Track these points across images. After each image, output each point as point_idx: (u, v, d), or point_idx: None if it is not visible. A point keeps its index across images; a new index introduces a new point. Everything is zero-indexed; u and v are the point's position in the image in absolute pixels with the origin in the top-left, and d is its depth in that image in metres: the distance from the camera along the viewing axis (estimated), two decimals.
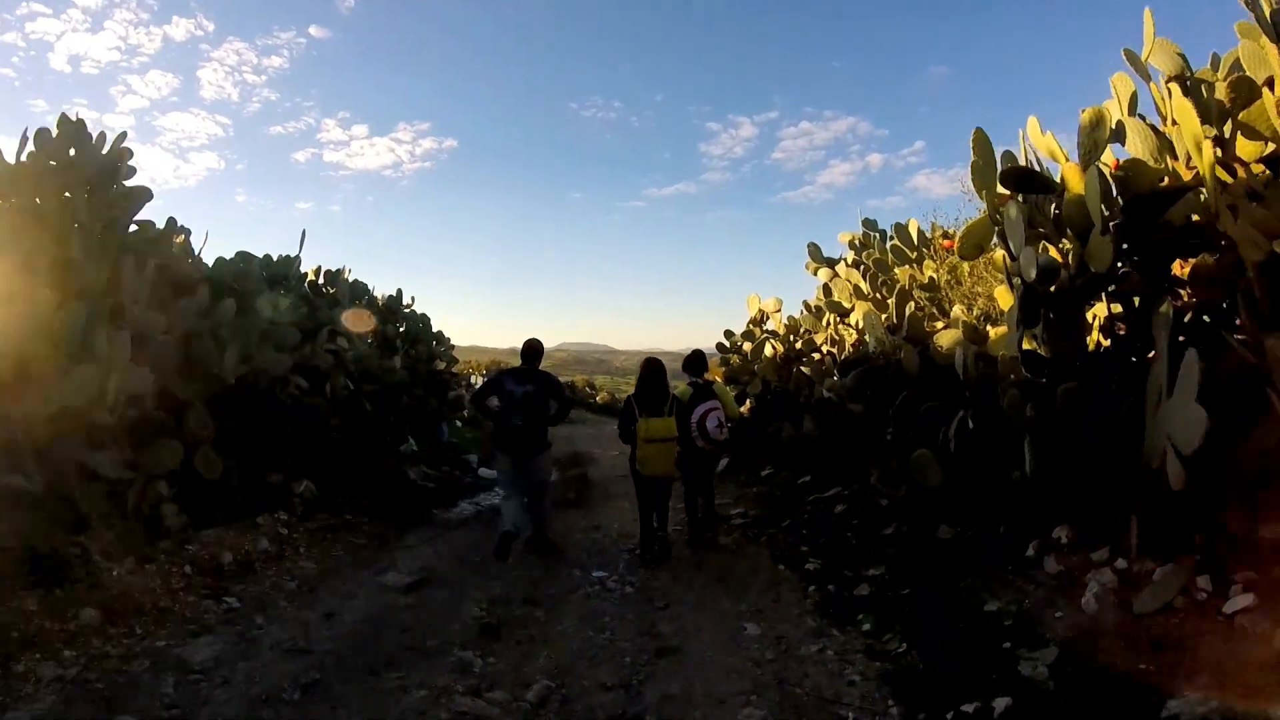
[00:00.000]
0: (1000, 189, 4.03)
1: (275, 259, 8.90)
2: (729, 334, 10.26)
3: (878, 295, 7.49)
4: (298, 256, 9.08)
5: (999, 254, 4.25)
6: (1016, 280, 3.82)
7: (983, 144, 4.18)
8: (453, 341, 13.94)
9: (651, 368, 5.49)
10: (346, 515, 6.73)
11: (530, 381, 5.37)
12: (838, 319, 8.13)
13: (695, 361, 5.85)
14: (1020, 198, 3.90)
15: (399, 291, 12.50)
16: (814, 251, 9.30)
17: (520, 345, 5.76)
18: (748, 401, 9.95)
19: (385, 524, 6.69)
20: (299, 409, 7.57)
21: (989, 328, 4.70)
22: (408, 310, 12.30)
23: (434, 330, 12.78)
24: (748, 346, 9.95)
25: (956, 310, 5.45)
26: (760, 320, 9.32)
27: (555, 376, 6.07)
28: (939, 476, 4.68)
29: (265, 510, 6.37)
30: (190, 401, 5.62)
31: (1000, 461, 4.33)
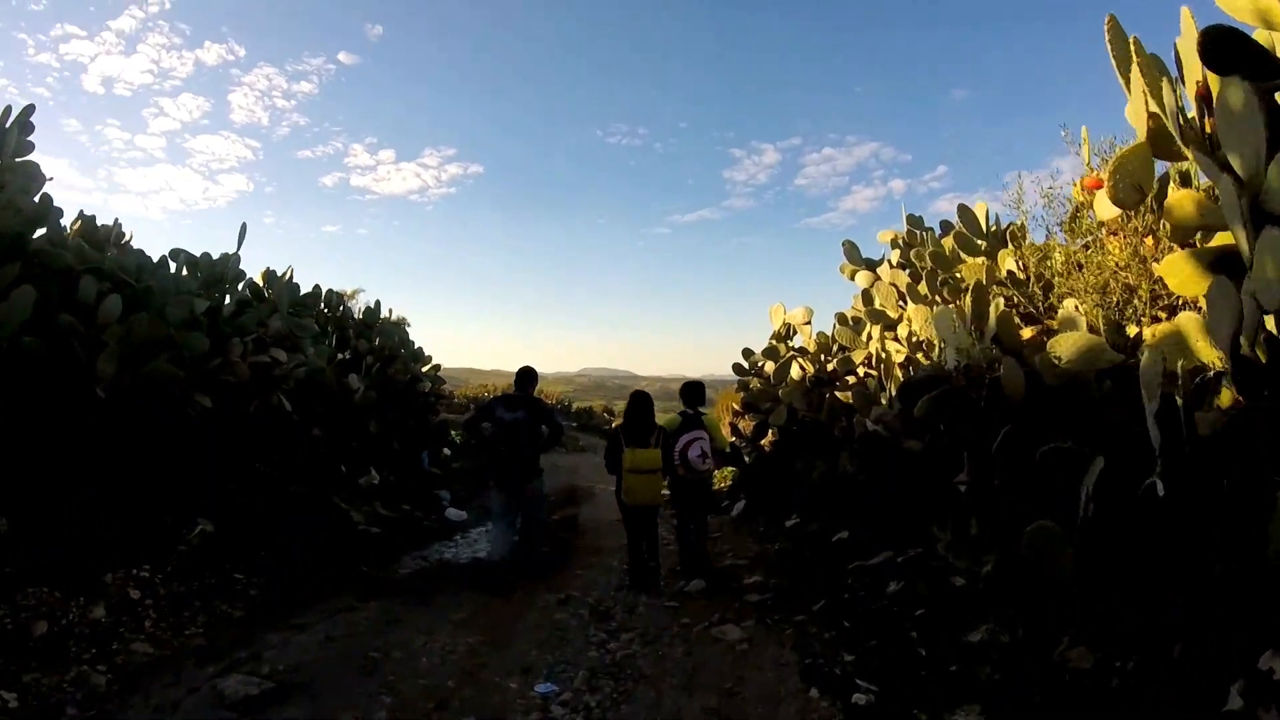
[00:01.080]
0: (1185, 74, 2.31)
1: (215, 258, 7.41)
2: (748, 354, 8.50)
3: (938, 298, 5.73)
4: (235, 255, 7.59)
5: (1183, 198, 2.49)
6: (1242, 229, 2.08)
7: (1115, 31, 2.51)
8: (462, 365, 12.43)
9: (638, 400, 5.42)
10: (237, 574, 5.07)
11: (522, 408, 5.33)
12: (881, 331, 6.36)
13: (691, 392, 5.69)
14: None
15: (377, 303, 11.02)
16: (850, 251, 7.55)
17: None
18: (769, 434, 8.17)
19: (287, 586, 5.01)
20: (206, 434, 5.99)
21: (1150, 328, 2.92)
22: (388, 324, 10.78)
23: (416, 348, 11.24)
24: (769, 367, 8.18)
25: (1068, 307, 3.65)
26: (785, 335, 7.56)
27: (547, 403, 6.67)
28: (1070, 563, 2.89)
29: (130, 561, 4.77)
30: None
31: (1182, 543, 2.55)
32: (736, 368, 8.45)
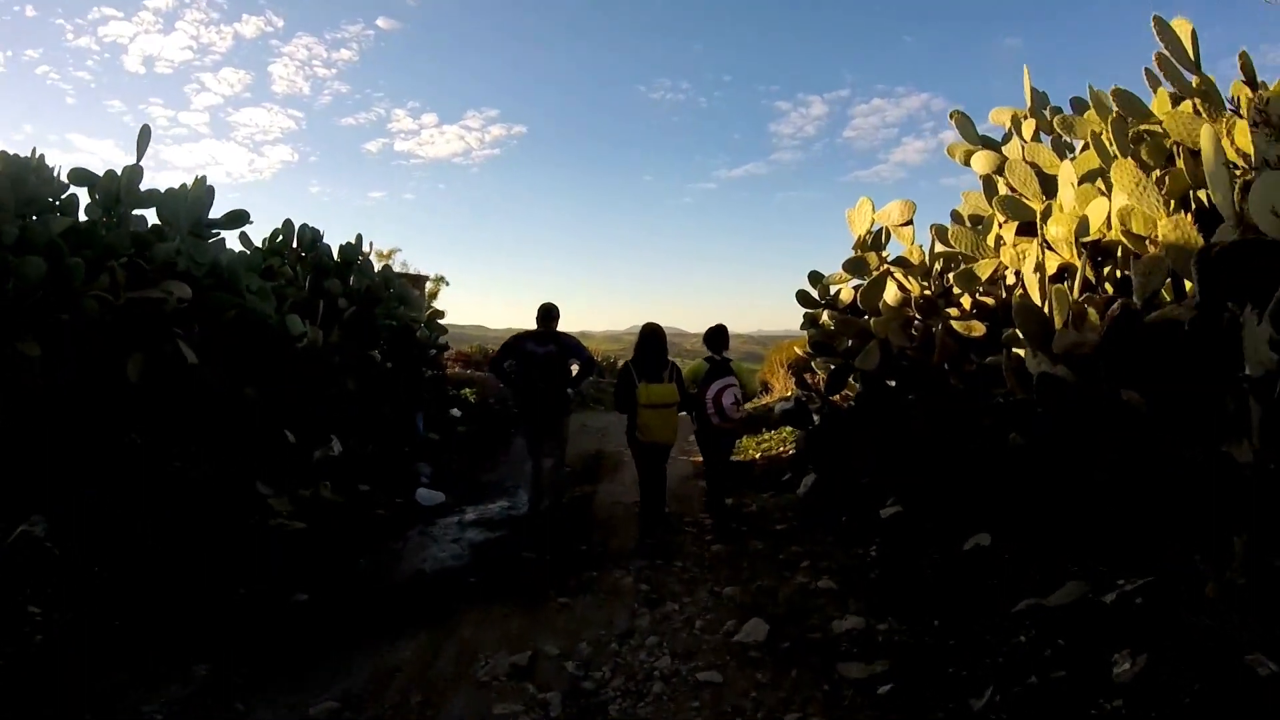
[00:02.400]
0: None
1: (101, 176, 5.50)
2: (815, 279, 6.17)
3: (1146, 159, 3.41)
4: (136, 167, 5.66)
5: None
6: None
7: None
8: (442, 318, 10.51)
9: (650, 331, 5.03)
10: (33, 607, 3.19)
11: (551, 342, 5.07)
12: (1030, 238, 4.04)
13: (716, 336, 5.26)
14: None
15: (358, 238, 9.02)
16: (963, 125, 5.15)
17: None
18: (847, 384, 5.92)
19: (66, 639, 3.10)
20: (38, 394, 4.13)
21: None
22: (368, 263, 8.80)
23: (412, 294, 9.28)
24: (846, 293, 5.89)
25: None
26: (873, 242, 5.21)
27: (575, 338, 5.50)
28: None
29: None
30: None
31: None
32: (802, 296, 6.15)
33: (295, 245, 8.77)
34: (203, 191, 6.40)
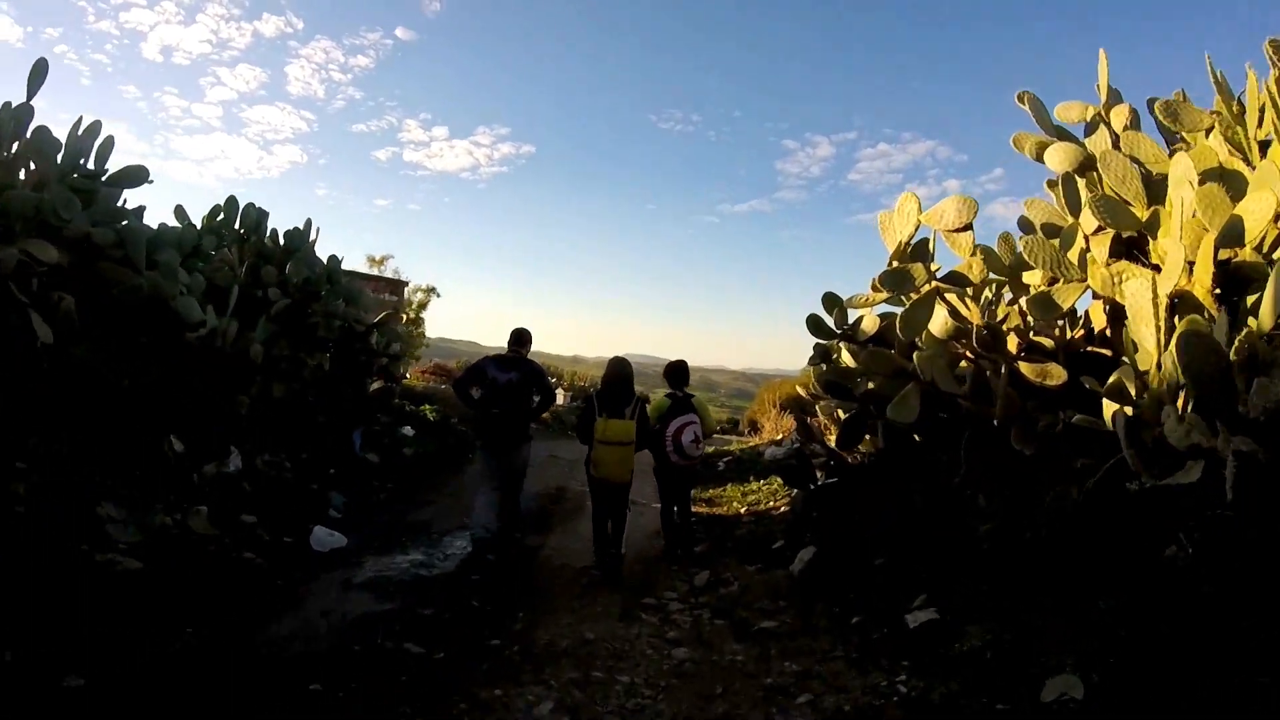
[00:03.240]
0: None
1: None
2: (832, 302, 4.91)
3: None
4: (24, 106, 4.51)
5: None
6: None
7: None
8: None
9: (617, 367, 4.85)
10: None
11: (514, 369, 4.84)
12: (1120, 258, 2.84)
13: (677, 372, 5.10)
14: None
15: (307, 223, 7.78)
16: (1036, 108, 4.03)
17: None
18: (867, 436, 4.65)
19: None
20: None
21: None
22: (311, 252, 7.55)
23: (362, 292, 8.00)
24: (869, 323, 4.66)
25: None
26: (914, 252, 3.94)
27: (540, 366, 5.22)
28: None
29: None
30: None
31: None
32: (814, 323, 4.87)
33: (239, 227, 7.56)
34: (92, 139, 5.17)
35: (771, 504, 7.04)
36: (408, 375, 23.20)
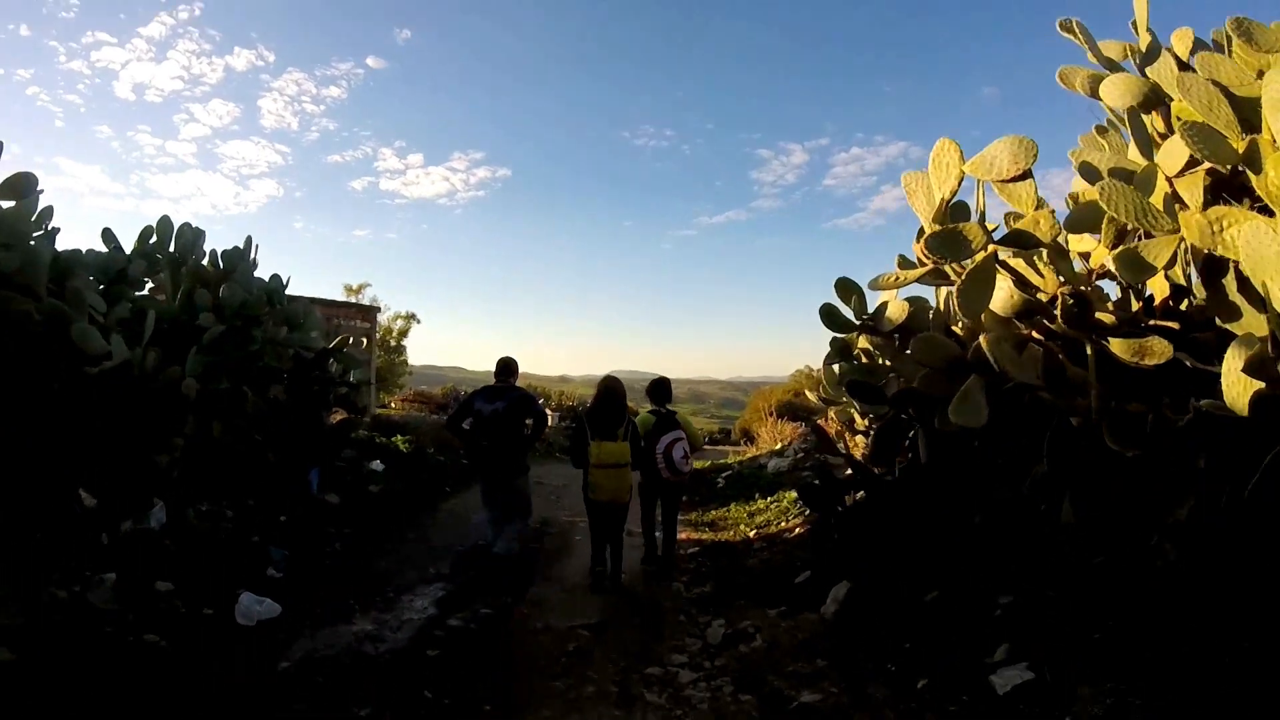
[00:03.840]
0: None
1: None
2: (848, 288, 4.09)
3: None
4: None
5: None
6: None
7: None
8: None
9: (608, 387, 4.80)
10: None
11: (500, 399, 4.66)
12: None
13: (659, 389, 5.08)
14: None
15: (246, 241, 6.90)
16: (1085, 36, 3.28)
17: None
18: (904, 445, 3.83)
19: None
20: None
21: None
22: (246, 272, 6.67)
23: (308, 315, 7.10)
24: (897, 310, 3.86)
25: None
26: (957, 212, 3.11)
27: (529, 393, 5.13)
28: None
29: None
30: None
31: None
32: (828, 313, 4.04)
33: (173, 249, 6.67)
34: None
35: (783, 524, 6.20)
36: (390, 404, 22.21)
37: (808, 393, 5.72)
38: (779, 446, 12.76)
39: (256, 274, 6.89)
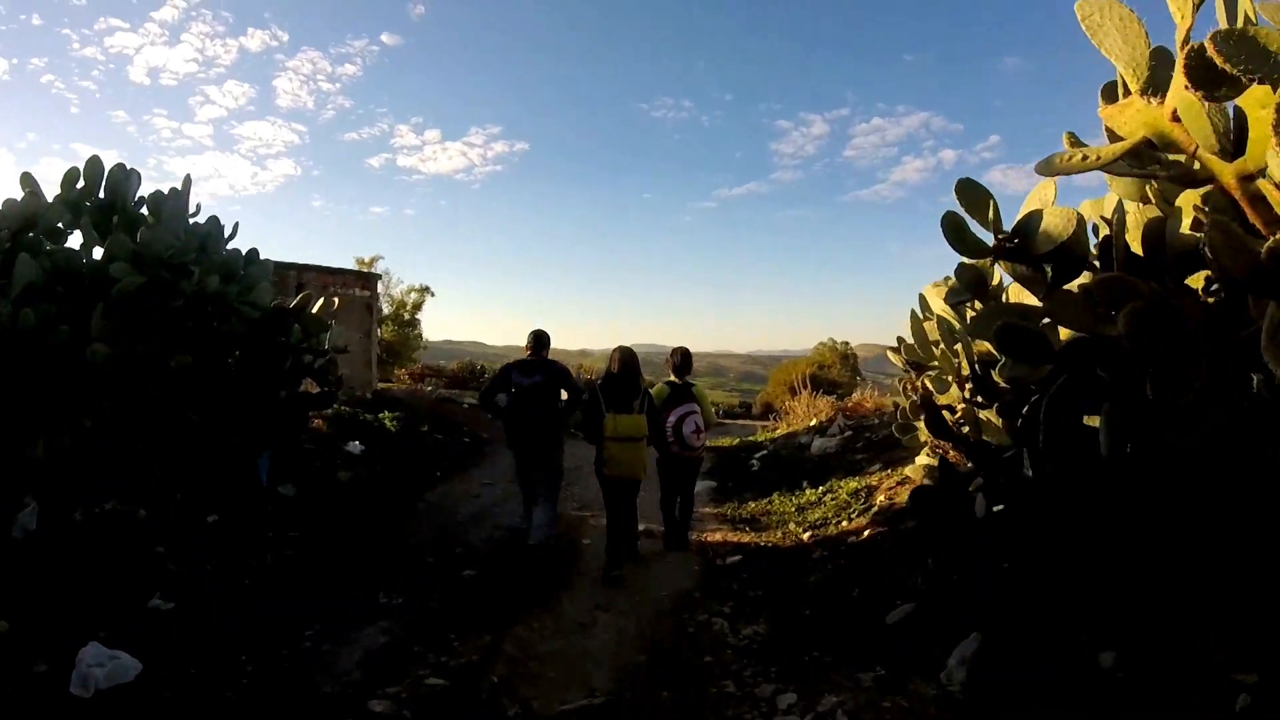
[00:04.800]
0: None
1: None
2: (973, 191, 2.69)
3: None
4: None
5: None
6: None
7: None
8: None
9: (623, 357, 4.54)
10: None
11: (538, 372, 4.57)
12: None
13: (681, 360, 4.85)
14: None
15: (186, 179, 5.57)
16: None
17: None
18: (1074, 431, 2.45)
19: None
20: None
21: None
22: (174, 215, 5.35)
23: (256, 269, 5.78)
24: (1058, 220, 2.40)
25: None
26: (1189, 32, 1.73)
27: (565, 366, 4.90)
28: None
29: None
30: None
31: None
32: (954, 228, 2.64)
33: (103, 195, 5.40)
34: None
35: (844, 524, 4.84)
36: (399, 378, 21.09)
37: (889, 354, 4.33)
38: (815, 423, 11.35)
39: (199, 223, 5.60)
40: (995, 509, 2.77)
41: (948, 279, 4.94)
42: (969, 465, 2.95)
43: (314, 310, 6.17)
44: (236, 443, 5.23)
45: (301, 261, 12.97)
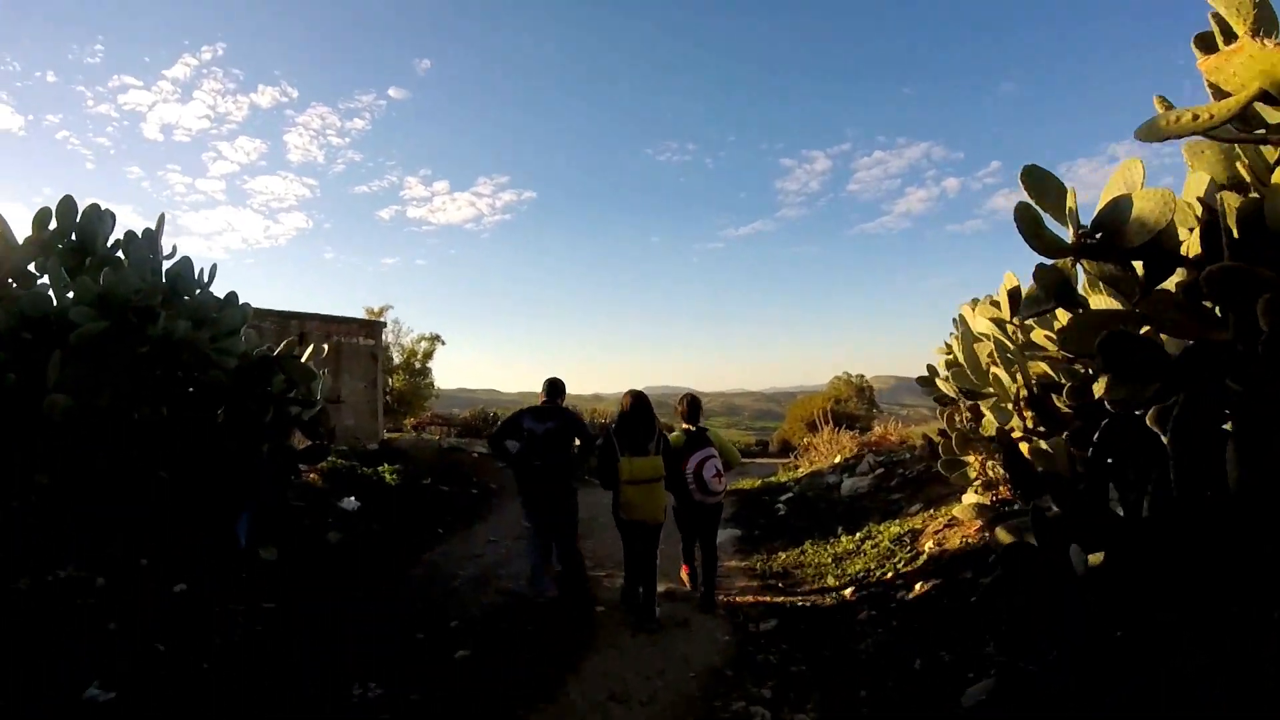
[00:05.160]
0: None
1: None
2: (1040, 182, 2.23)
3: None
4: None
5: None
6: None
7: None
8: None
9: (636, 400, 4.42)
10: None
11: (551, 419, 4.50)
12: None
13: (690, 406, 4.72)
14: None
15: (160, 218, 5.24)
16: None
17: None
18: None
19: None
20: None
21: None
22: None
23: (228, 309, 5.39)
24: (1152, 210, 1.89)
25: None
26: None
27: (578, 413, 5.11)
28: None
29: None
30: None
31: None
32: (1030, 223, 2.15)
33: (75, 237, 5.07)
34: None
35: (888, 574, 4.25)
36: (405, 427, 20.62)
37: (939, 383, 3.85)
38: (839, 459, 10.73)
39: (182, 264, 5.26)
40: (1093, 560, 2.22)
41: (987, 298, 4.45)
42: (1051, 508, 2.42)
43: (302, 357, 5.74)
44: (211, 502, 4.77)
45: (306, 310, 12.69)
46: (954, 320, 4.24)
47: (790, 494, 8.11)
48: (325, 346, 6.49)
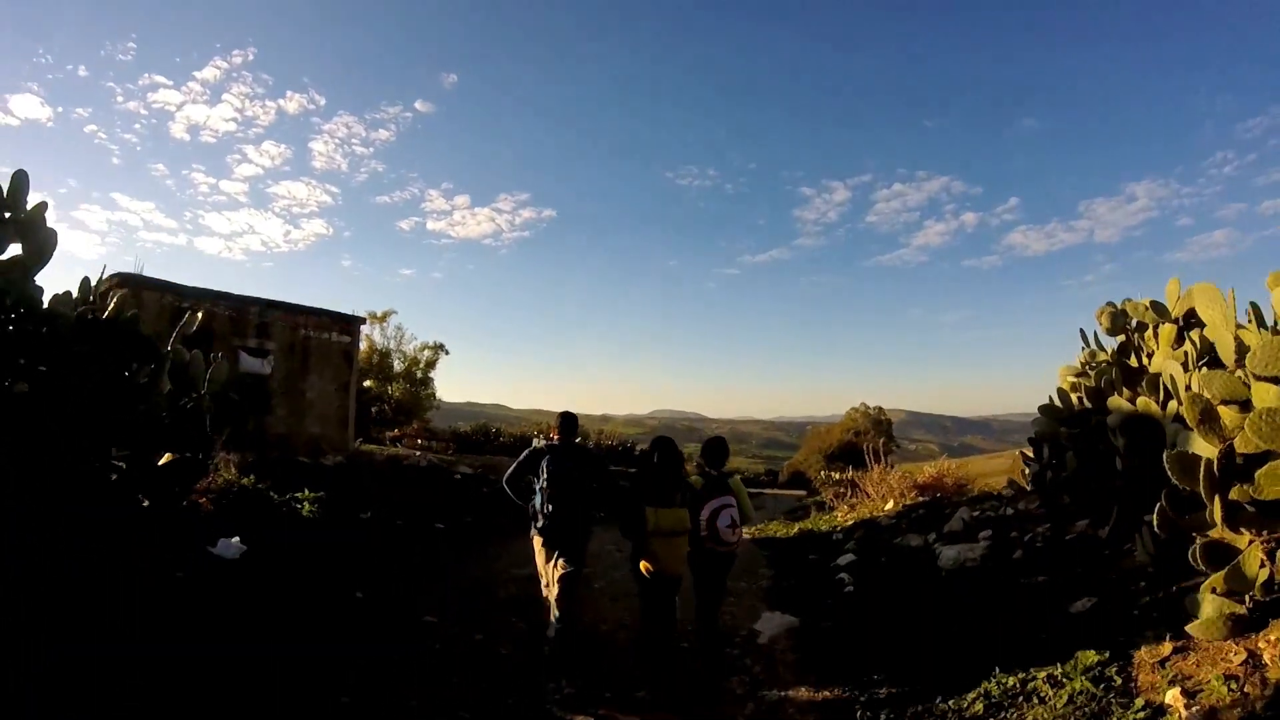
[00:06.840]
0: None
1: None
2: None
3: None
4: None
5: None
6: None
7: None
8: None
9: (664, 448, 4.13)
10: None
11: (570, 458, 4.21)
12: None
13: (715, 450, 4.35)
14: None
15: (20, 174, 3.23)
16: None
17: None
18: None
19: None
20: None
21: None
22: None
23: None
24: None
25: None
26: None
27: (596, 452, 5.11)
28: None
29: None
30: None
31: None
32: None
33: None
34: None
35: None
36: (387, 440, 18.53)
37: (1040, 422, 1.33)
38: (892, 505, 8.49)
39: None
40: None
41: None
42: None
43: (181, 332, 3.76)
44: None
45: (271, 298, 10.68)
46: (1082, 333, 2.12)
47: (850, 555, 5.87)
48: (199, 314, 4.37)
